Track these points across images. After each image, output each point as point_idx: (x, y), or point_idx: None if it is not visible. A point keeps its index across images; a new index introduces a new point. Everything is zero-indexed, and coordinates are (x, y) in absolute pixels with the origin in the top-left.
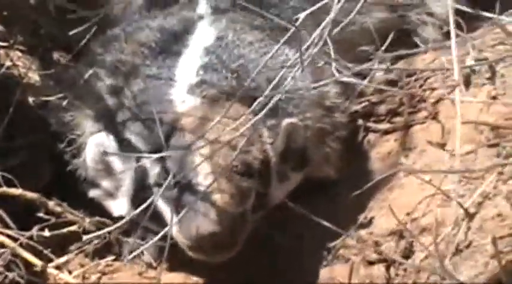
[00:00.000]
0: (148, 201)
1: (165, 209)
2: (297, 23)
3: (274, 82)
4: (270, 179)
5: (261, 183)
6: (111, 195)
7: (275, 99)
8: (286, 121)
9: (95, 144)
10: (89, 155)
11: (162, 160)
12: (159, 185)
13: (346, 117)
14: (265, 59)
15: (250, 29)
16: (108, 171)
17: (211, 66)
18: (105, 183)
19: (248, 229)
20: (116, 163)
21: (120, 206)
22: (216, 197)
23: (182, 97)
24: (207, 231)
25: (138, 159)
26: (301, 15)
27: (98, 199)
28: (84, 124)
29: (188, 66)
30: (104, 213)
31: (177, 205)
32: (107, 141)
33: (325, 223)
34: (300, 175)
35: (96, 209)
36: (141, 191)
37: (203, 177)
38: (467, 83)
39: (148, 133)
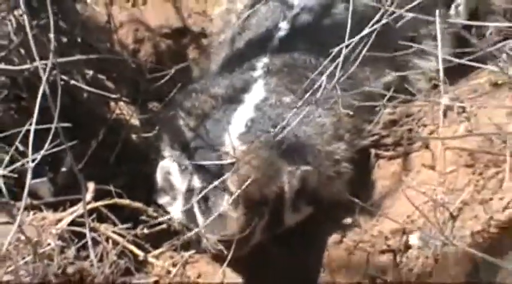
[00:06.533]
0: (187, 206)
1: (199, 216)
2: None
3: (282, 124)
4: (282, 208)
5: (274, 209)
6: (171, 203)
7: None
8: (302, 168)
9: (161, 167)
10: (158, 174)
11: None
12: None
13: (350, 166)
14: (293, 117)
15: (289, 92)
16: (170, 185)
17: (258, 120)
18: (168, 194)
19: (258, 237)
20: (176, 180)
21: (176, 210)
22: (233, 213)
23: (233, 141)
24: (223, 232)
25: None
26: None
27: (163, 205)
28: (163, 151)
29: (241, 118)
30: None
31: (208, 213)
32: (171, 165)
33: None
34: (310, 209)
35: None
36: (188, 200)
37: (229, 197)
38: (449, 121)
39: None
